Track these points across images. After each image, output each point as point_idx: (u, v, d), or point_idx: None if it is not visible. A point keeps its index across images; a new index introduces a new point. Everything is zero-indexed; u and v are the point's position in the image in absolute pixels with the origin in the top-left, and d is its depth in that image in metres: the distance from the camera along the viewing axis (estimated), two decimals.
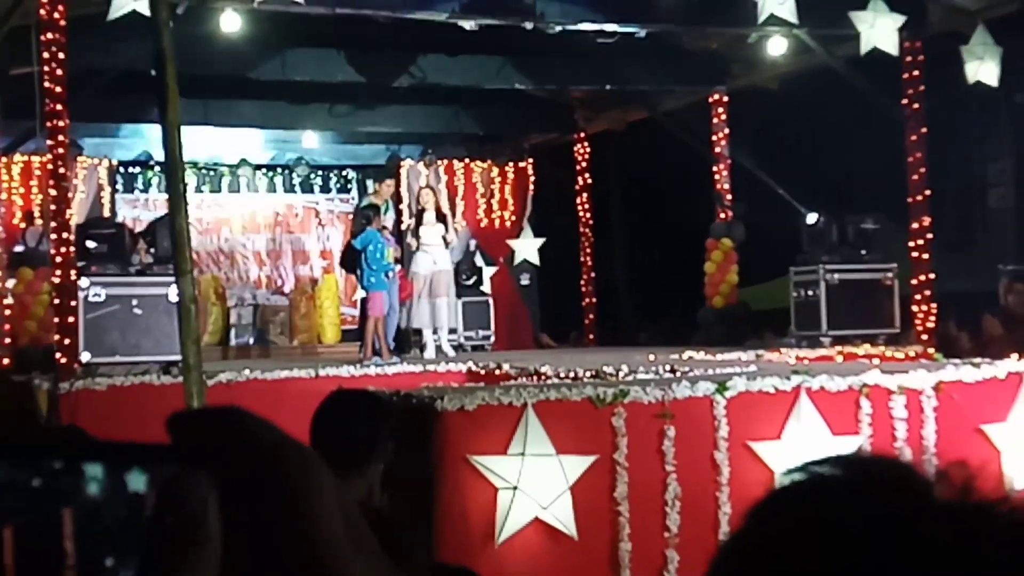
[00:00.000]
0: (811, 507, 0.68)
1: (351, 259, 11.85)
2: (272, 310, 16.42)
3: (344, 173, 18.27)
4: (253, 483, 0.64)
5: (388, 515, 3.24)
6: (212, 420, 0.66)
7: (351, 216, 12.19)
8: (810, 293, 12.43)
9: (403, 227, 15.83)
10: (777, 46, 12.59)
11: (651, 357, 10.19)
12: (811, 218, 12.99)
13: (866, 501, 0.66)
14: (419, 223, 12.22)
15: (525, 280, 17.27)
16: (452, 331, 13.19)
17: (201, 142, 16.48)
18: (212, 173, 17.57)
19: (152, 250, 11.84)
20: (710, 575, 0.70)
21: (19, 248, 13.75)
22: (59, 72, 9.84)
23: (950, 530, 0.65)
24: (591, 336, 16.70)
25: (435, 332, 12.21)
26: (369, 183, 16.93)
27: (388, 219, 12.06)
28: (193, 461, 0.62)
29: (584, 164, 17.12)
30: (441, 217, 12.16)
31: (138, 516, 0.61)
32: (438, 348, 12.16)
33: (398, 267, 12.03)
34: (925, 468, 0.70)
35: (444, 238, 12.10)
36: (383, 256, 11.28)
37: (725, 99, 14.77)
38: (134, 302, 10.20)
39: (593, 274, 17.03)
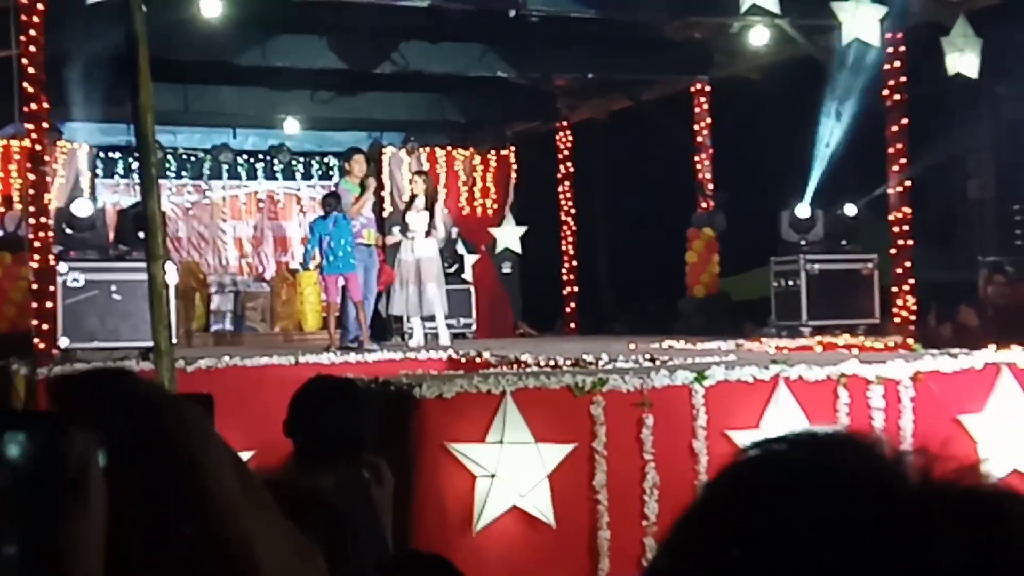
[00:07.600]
0: (759, 481, 0.70)
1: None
2: (252, 297, 16.37)
3: (325, 160, 18.19)
4: (141, 442, 0.62)
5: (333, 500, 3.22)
6: (93, 381, 0.65)
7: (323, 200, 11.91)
8: (790, 283, 12.44)
9: (385, 215, 15.84)
10: (759, 36, 12.60)
11: (631, 346, 10.19)
12: (801, 209, 12.90)
13: (813, 477, 0.67)
14: (407, 209, 12.09)
15: (507, 268, 17.26)
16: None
17: (181, 127, 16.44)
18: (193, 159, 17.49)
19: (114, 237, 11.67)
20: (664, 544, 0.72)
21: None
22: (38, 56, 9.77)
23: (888, 507, 0.66)
24: (572, 324, 16.71)
25: (432, 319, 11.99)
26: None
27: (367, 200, 11.85)
28: (76, 423, 0.60)
29: (566, 152, 17.12)
30: (430, 205, 11.95)
31: (17, 481, 0.58)
32: (435, 337, 11.92)
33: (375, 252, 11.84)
34: (886, 448, 0.70)
35: (430, 226, 11.88)
36: (338, 241, 11.04)
37: (707, 89, 14.79)
38: (113, 287, 10.13)
39: (575, 263, 17.05)
